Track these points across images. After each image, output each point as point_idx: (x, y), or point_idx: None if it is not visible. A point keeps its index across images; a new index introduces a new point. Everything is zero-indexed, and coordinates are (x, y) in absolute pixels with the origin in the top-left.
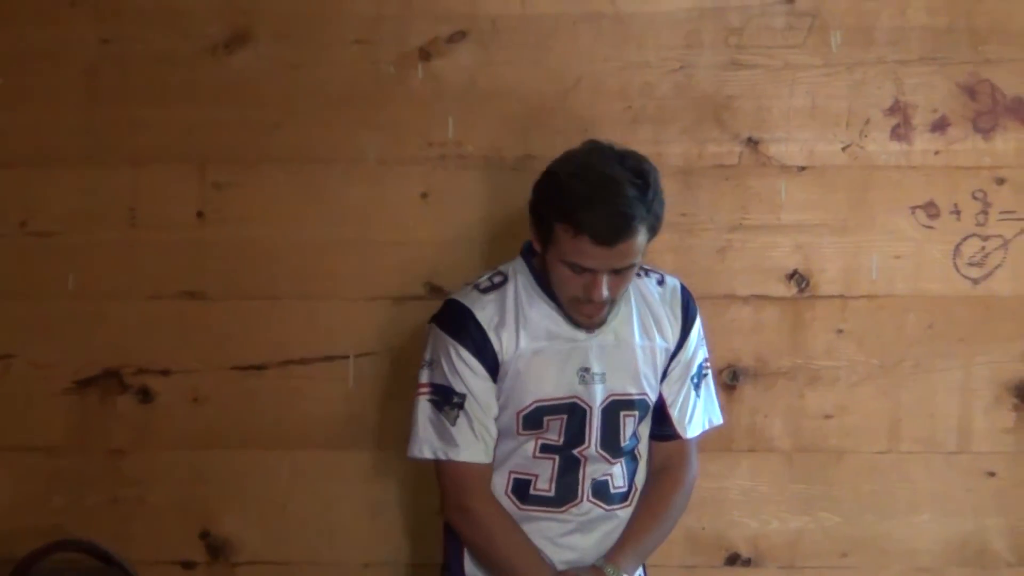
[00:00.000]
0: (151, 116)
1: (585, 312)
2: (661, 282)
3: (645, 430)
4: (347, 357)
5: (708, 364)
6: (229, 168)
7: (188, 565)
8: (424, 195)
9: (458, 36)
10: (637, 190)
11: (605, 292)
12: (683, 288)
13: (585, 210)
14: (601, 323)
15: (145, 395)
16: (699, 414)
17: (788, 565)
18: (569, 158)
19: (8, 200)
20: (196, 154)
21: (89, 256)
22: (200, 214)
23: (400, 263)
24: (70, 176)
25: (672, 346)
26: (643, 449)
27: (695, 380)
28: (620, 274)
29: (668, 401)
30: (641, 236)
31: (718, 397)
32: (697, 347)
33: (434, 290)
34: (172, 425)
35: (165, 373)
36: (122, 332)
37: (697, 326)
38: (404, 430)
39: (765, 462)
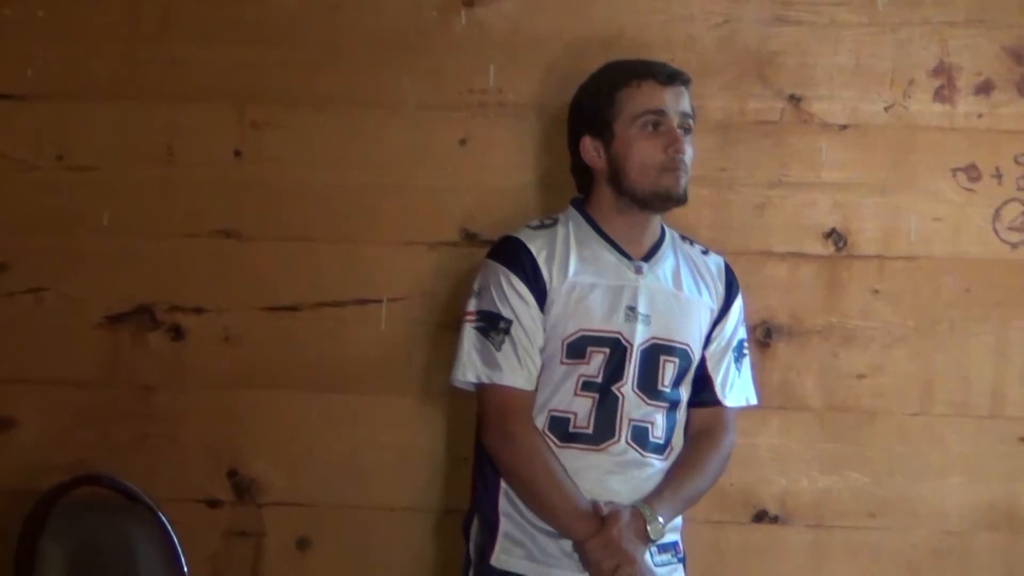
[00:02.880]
0: (191, 54)
1: (672, 177)
2: (706, 252)
3: (686, 392)
4: (380, 301)
5: (748, 346)
6: (268, 108)
7: (214, 504)
8: (463, 142)
9: None
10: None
11: (682, 141)
12: (727, 265)
13: (644, 63)
14: (686, 194)
15: (177, 333)
16: (739, 387)
17: (816, 524)
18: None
19: (46, 134)
20: (235, 93)
21: (125, 192)
22: (238, 153)
23: (437, 209)
24: (108, 111)
25: (716, 309)
26: (683, 414)
27: (736, 354)
28: (687, 133)
29: (710, 367)
30: (688, 94)
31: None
32: (739, 324)
33: (470, 237)
34: (203, 364)
35: (198, 311)
36: (156, 269)
37: (739, 303)
38: (435, 376)
39: (796, 420)
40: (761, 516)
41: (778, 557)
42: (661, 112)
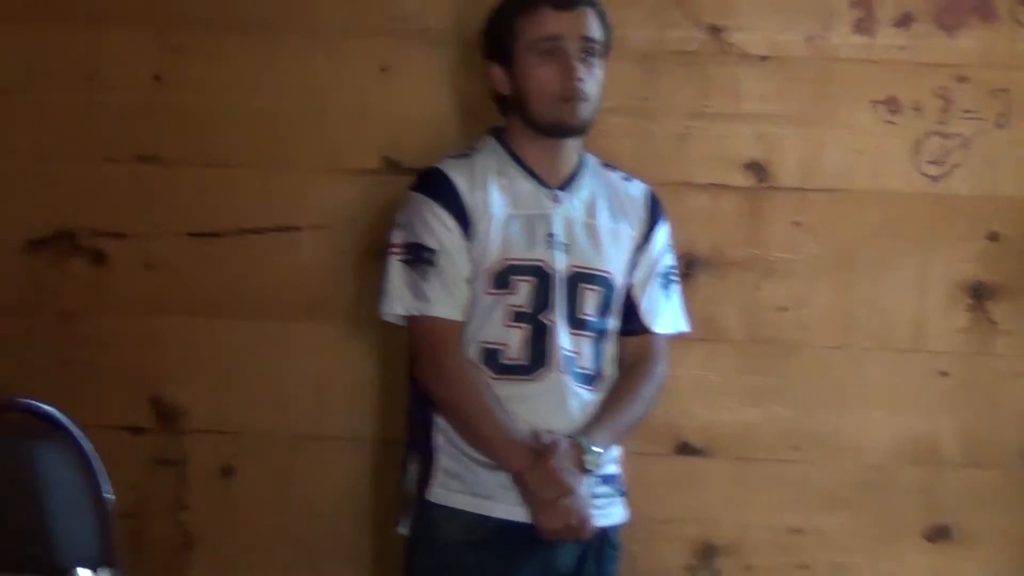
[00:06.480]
0: None
1: (568, 107)
2: (628, 179)
3: (614, 321)
4: (300, 229)
5: (677, 273)
6: (188, 32)
7: (137, 431)
8: (384, 69)
9: None
10: None
11: (579, 69)
12: (651, 191)
13: None
14: (584, 123)
15: (98, 258)
16: (668, 314)
17: (738, 457)
18: None
19: None
20: (156, 16)
21: (46, 116)
22: (158, 78)
23: (357, 136)
24: (28, 33)
25: (639, 236)
26: (612, 344)
27: (663, 281)
28: (587, 62)
29: (636, 294)
30: (595, 16)
31: None
32: (664, 249)
33: (391, 165)
34: (124, 289)
35: (119, 236)
36: (77, 194)
37: (665, 229)
38: (359, 304)
39: (718, 352)
40: (683, 448)
41: (701, 489)
42: (554, 38)
